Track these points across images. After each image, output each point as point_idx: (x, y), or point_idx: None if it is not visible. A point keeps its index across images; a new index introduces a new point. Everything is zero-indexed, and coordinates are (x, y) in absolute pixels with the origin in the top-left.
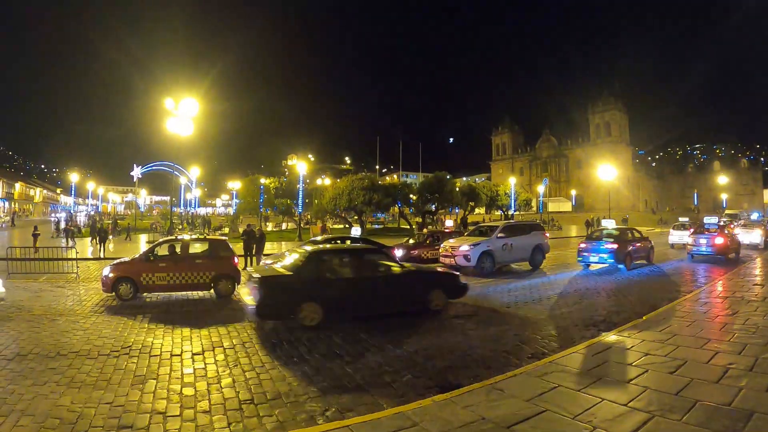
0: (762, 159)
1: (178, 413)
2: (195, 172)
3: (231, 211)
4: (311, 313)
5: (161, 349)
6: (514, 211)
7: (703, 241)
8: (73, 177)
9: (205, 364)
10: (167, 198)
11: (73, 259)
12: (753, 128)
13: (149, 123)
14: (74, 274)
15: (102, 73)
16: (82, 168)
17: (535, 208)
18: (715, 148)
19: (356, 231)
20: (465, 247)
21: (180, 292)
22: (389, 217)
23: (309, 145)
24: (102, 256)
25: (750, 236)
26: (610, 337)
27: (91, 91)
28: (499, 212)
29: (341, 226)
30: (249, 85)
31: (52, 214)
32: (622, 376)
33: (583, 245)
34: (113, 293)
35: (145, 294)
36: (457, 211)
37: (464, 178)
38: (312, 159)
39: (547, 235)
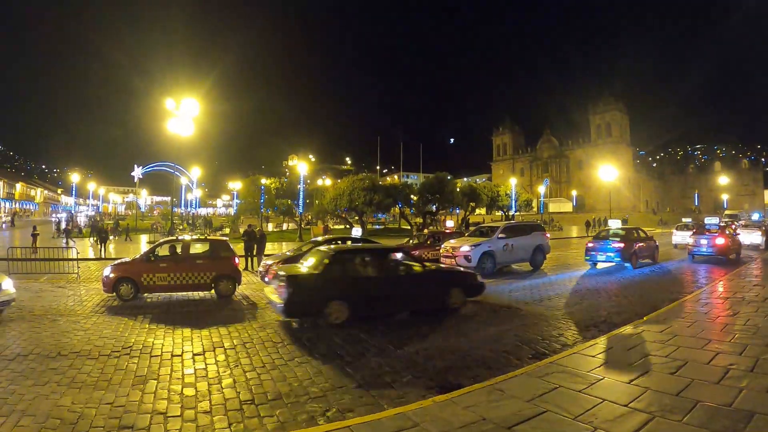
0: (763, 159)
1: (178, 413)
2: (196, 172)
3: (232, 211)
4: (338, 311)
5: (162, 349)
6: (515, 211)
7: (703, 241)
8: (74, 177)
9: (206, 364)
10: (168, 198)
11: (74, 260)
12: (753, 128)
13: (150, 123)
14: (75, 275)
15: (103, 73)
16: (82, 168)
17: (535, 209)
18: (715, 148)
19: (357, 231)
20: (466, 248)
21: (181, 293)
22: (390, 217)
23: (310, 145)
24: (103, 256)
25: (751, 237)
26: (611, 338)
27: (92, 91)
28: (499, 213)
29: (342, 226)
30: (250, 86)
31: (53, 215)
32: (622, 377)
33: (590, 244)
34: (114, 293)
35: (145, 294)
36: (457, 211)
37: (465, 179)
38: (313, 159)
39: (548, 235)
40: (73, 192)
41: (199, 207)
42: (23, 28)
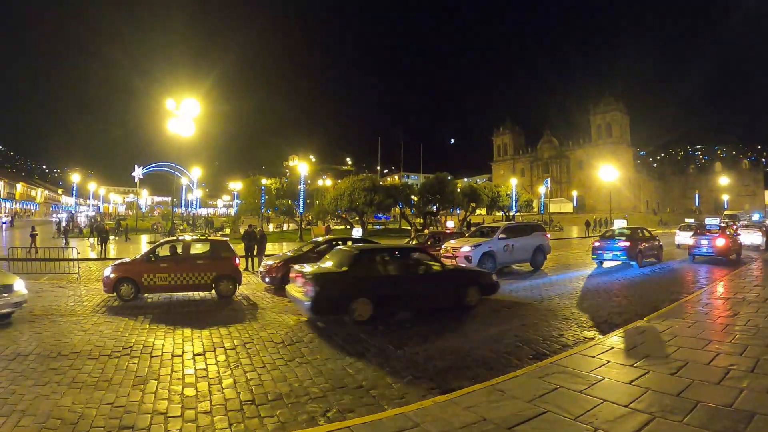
0: (763, 160)
1: (179, 414)
2: (196, 172)
3: (232, 211)
4: (363, 308)
5: (162, 349)
6: (516, 212)
7: (704, 242)
8: (75, 177)
9: (206, 364)
10: (169, 198)
11: (75, 260)
12: (754, 129)
13: (150, 123)
14: (75, 275)
15: (103, 73)
16: (83, 168)
17: (536, 209)
18: (716, 149)
19: (357, 232)
20: (466, 248)
21: (181, 293)
22: (390, 218)
23: (310, 145)
24: (103, 256)
25: (751, 237)
26: (611, 339)
27: (93, 91)
28: (500, 213)
29: (342, 227)
30: (250, 86)
31: (53, 215)
32: (623, 377)
33: (597, 243)
34: (114, 294)
35: (146, 294)
36: (458, 212)
37: (465, 179)
38: (313, 160)
39: (548, 236)
40: (74, 192)
41: (199, 207)
42: (23, 28)
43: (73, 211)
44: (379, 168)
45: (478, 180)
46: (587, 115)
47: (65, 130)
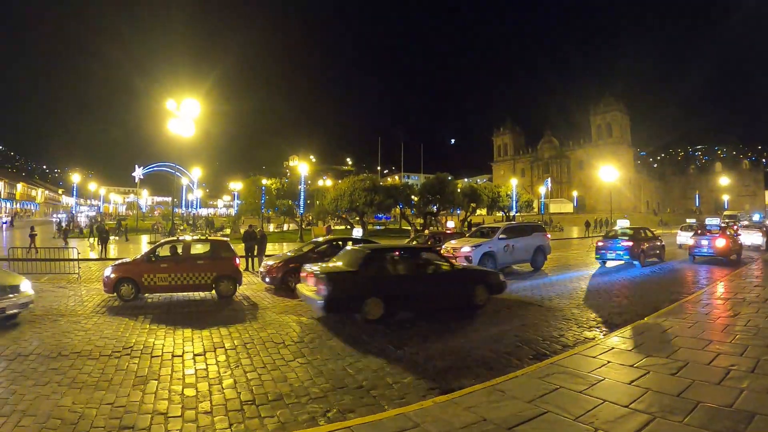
0: (764, 160)
1: (179, 414)
2: (197, 172)
3: (232, 212)
4: (374, 307)
5: (163, 349)
6: (516, 212)
7: (704, 242)
8: (75, 177)
9: (207, 364)
10: (169, 199)
11: (75, 260)
12: (754, 129)
13: (151, 124)
14: (76, 275)
15: (103, 73)
16: (83, 169)
17: (536, 209)
18: (716, 149)
19: (358, 232)
20: (466, 249)
21: (181, 293)
22: (391, 218)
23: (310, 146)
24: (103, 256)
25: (751, 237)
26: (612, 339)
27: (93, 91)
28: (500, 213)
29: (343, 227)
30: (250, 86)
31: (54, 215)
32: (623, 378)
33: (600, 243)
34: (115, 294)
35: (146, 295)
36: (458, 212)
37: (466, 179)
38: (313, 160)
39: (549, 236)
40: (74, 192)
41: (200, 207)
42: (23, 28)
43: (74, 211)
44: (379, 168)
45: (478, 180)
46: (587, 115)
47: (66, 130)
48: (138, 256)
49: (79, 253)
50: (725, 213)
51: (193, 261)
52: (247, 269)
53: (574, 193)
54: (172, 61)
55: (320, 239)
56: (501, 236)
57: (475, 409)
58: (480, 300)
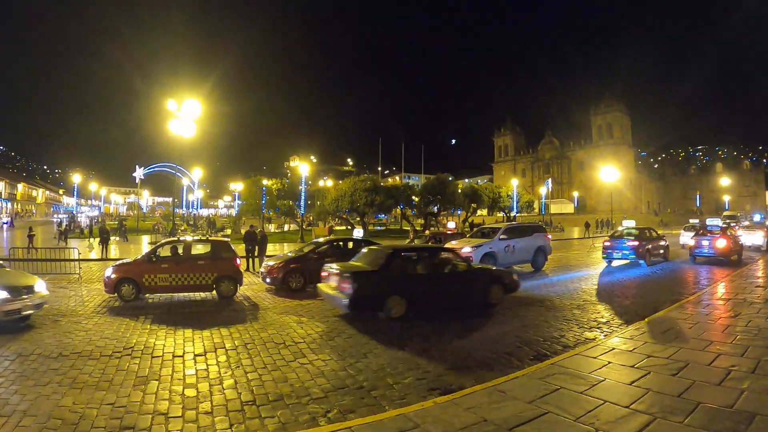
0: (764, 160)
1: (180, 414)
2: (197, 173)
3: (233, 212)
4: (397, 305)
5: (163, 350)
6: (517, 212)
7: (705, 242)
8: (76, 178)
9: (207, 365)
10: (170, 199)
11: (76, 260)
12: (755, 129)
13: (152, 124)
14: (76, 275)
15: (104, 73)
16: (84, 169)
17: (537, 210)
18: (717, 149)
19: (358, 232)
20: (467, 249)
21: (182, 294)
22: (391, 218)
23: (311, 146)
24: (104, 257)
25: (752, 238)
26: (612, 340)
27: (93, 91)
28: (501, 214)
29: (343, 227)
30: (250, 86)
31: (55, 215)
32: (624, 378)
33: (607, 243)
34: (115, 294)
35: (147, 295)
36: (459, 212)
37: (466, 180)
38: (314, 160)
39: (549, 236)
40: (75, 192)
41: (200, 208)
42: (23, 28)
43: (74, 212)
44: (380, 168)
45: (479, 181)
46: (588, 116)
47: (66, 131)
48: (139, 257)
49: (79, 254)
50: (725, 213)
51: (193, 261)
52: (247, 270)
53: (575, 194)
54: (172, 61)
55: (321, 240)
56: (502, 237)
57: (476, 409)
58: (495, 298)
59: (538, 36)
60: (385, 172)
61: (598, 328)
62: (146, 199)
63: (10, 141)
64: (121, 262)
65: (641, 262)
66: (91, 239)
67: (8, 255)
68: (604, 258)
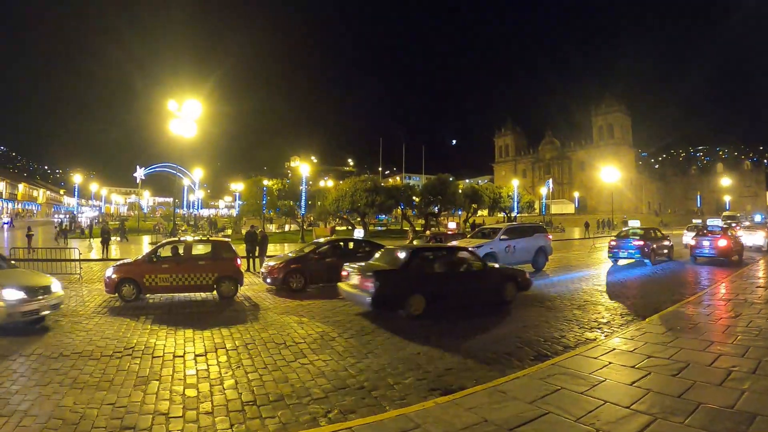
0: (765, 161)
1: (180, 414)
2: (198, 173)
3: (234, 212)
4: (417, 303)
5: (164, 350)
6: (517, 213)
7: (706, 243)
8: (77, 178)
9: (208, 365)
10: (170, 199)
11: (76, 260)
12: (755, 129)
13: (152, 124)
14: (77, 275)
15: (104, 73)
16: (85, 169)
17: (537, 210)
18: (718, 150)
19: (359, 233)
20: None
21: (182, 294)
22: (392, 219)
23: (312, 146)
24: (105, 257)
25: (753, 238)
26: (613, 340)
27: (94, 91)
28: (501, 214)
29: (344, 228)
30: (251, 86)
31: (56, 215)
32: (624, 379)
33: (613, 243)
34: (116, 294)
35: (147, 295)
36: (459, 213)
37: (467, 180)
38: (315, 161)
39: (550, 237)
40: (76, 193)
41: (201, 208)
42: (23, 28)
43: (75, 212)
44: (380, 169)
45: (479, 181)
46: (589, 116)
47: (67, 131)
48: (139, 257)
49: (80, 254)
50: (725, 214)
51: (194, 262)
52: (248, 270)
53: (576, 194)
54: (172, 61)
55: (321, 240)
56: (502, 237)
57: (477, 409)
58: (509, 296)
59: (538, 36)
60: (386, 172)
61: (598, 328)
62: (147, 199)
63: (10, 141)
64: (121, 262)
65: (646, 261)
66: (92, 239)
67: (9, 255)
68: (609, 257)
